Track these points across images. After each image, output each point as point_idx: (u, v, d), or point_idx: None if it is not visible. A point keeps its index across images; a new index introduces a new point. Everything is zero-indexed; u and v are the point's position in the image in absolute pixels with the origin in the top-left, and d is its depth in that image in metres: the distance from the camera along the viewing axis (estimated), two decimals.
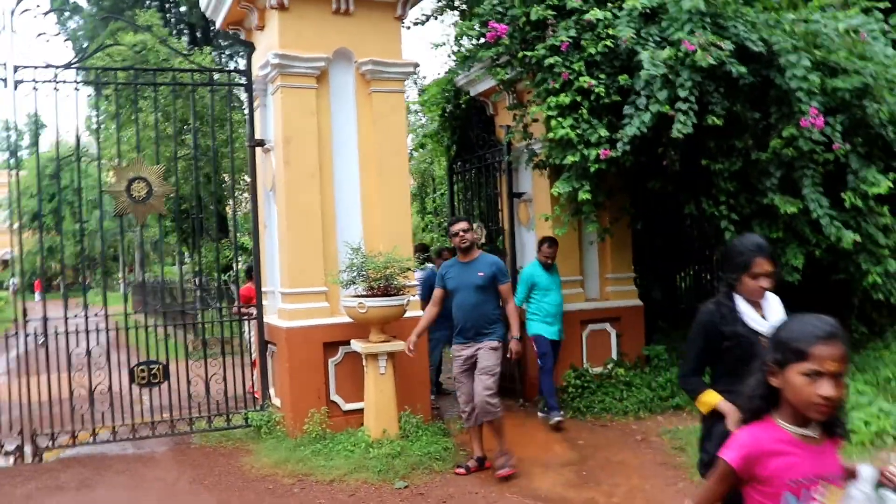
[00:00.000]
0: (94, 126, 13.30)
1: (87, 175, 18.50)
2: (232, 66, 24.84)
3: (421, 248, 9.56)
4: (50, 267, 40.60)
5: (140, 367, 7.50)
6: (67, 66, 7.28)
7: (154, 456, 7.14)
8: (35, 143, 7.35)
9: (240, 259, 13.40)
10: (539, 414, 7.91)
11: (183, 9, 24.21)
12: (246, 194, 16.04)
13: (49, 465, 6.90)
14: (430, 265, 9.58)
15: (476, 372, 6.11)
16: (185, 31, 25.33)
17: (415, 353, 6.42)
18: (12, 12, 6.86)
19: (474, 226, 9.71)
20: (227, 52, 24.34)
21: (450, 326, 7.57)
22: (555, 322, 7.83)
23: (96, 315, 7.23)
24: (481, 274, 6.16)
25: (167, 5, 25.21)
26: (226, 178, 14.20)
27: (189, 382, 7.53)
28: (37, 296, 34.07)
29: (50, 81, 7.06)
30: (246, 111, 8.44)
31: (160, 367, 7.55)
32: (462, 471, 6.19)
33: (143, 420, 7.56)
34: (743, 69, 6.93)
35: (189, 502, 5.82)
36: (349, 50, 7.41)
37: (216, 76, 8.39)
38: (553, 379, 7.73)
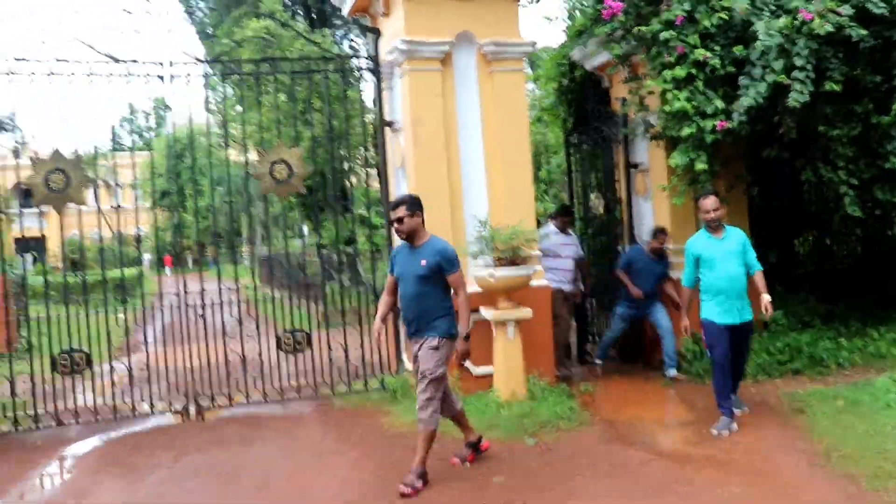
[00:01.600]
0: (228, 112, 14.18)
1: (207, 154, 19.58)
2: (346, 44, 25.66)
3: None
4: (178, 243, 42.92)
5: (286, 335, 8.22)
6: (214, 60, 7.97)
7: (301, 416, 7.82)
8: (188, 127, 8.05)
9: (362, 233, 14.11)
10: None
11: None
12: (367, 170, 16.77)
13: (211, 423, 7.69)
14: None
15: (418, 376, 5.54)
16: (300, 13, 26.23)
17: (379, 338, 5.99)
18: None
19: (592, 196, 10.05)
20: (342, 32, 25.09)
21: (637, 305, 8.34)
22: (726, 301, 6.42)
23: (229, 288, 8.01)
24: (424, 262, 5.44)
25: None
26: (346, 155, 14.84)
27: (330, 349, 8.22)
28: (167, 270, 36.34)
29: (202, 76, 7.78)
30: (364, 91, 8.99)
31: (304, 335, 8.24)
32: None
33: (290, 384, 8.29)
34: (864, 32, 6.95)
35: (337, 456, 6.41)
36: (471, 32, 7.80)
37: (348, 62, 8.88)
38: (726, 375, 6.45)
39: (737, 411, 6.55)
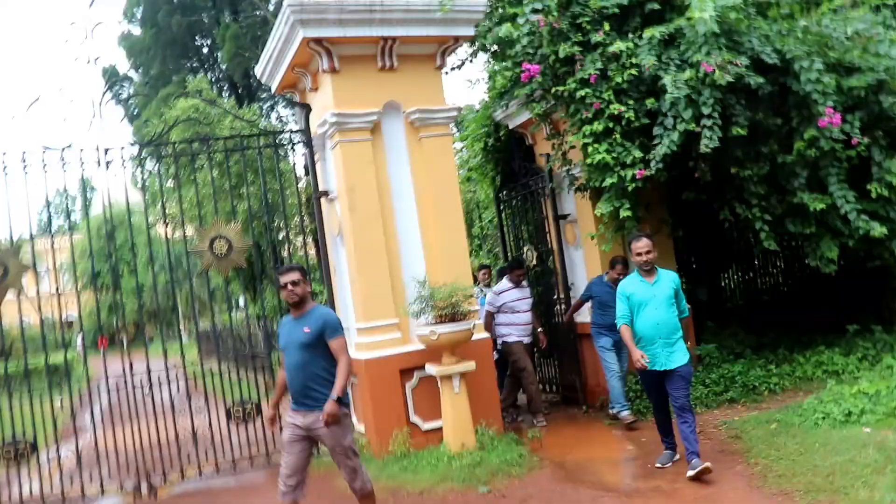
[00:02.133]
0: (160, 190, 14.27)
1: (139, 233, 19.50)
2: (273, 116, 26.00)
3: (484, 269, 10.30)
4: (111, 323, 42.12)
5: (235, 406, 8.28)
6: (149, 143, 8.14)
7: (256, 485, 7.84)
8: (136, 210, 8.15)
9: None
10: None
11: (224, 66, 25.49)
12: (299, 239, 16.93)
13: (164, 500, 7.64)
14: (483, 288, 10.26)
15: (331, 454, 5.46)
16: (226, 88, 26.58)
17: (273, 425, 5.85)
18: (100, 103, 7.75)
19: (524, 249, 10.41)
20: (268, 105, 25.47)
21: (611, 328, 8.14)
22: (650, 347, 6.33)
23: (174, 365, 8.08)
24: (307, 329, 5.32)
25: (207, 65, 26.52)
26: (281, 226, 15.01)
27: (280, 416, 8.27)
28: (101, 352, 35.52)
29: (134, 158, 7.93)
30: (295, 163, 9.22)
31: (254, 404, 8.32)
32: None
33: (242, 454, 8.31)
34: (761, 80, 7.52)
35: None
36: (397, 101, 8.15)
37: (278, 138, 9.15)
38: (663, 413, 6.67)
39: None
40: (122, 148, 7.90)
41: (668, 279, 6.44)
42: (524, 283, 9.21)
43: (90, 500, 7.72)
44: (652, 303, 6.34)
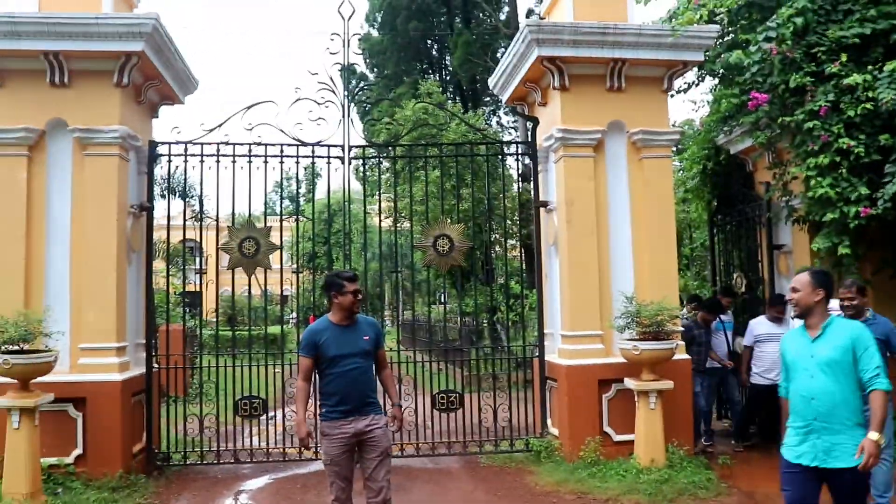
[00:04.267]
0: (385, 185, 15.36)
1: (357, 220, 20.82)
2: (494, 121, 26.85)
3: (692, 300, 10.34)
4: (322, 304, 44.71)
5: (440, 395, 8.91)
6: (388, 144, 8.94)
7: (451, 470, 8.43)
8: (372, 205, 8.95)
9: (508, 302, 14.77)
10: None
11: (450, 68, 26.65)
12: (509, 242, 17.50)
13: None
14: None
15: (379, 458, 5.33)
16: (452, 91, 27.72)
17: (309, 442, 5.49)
18: (347, 106, 8.64)
19: (734, 275, 10.33)
20: (490, 109, 26.34)
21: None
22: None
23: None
24: (367, 338, 5.35)
25: (436, 68, 27.83)
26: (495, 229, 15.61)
27: (480, 410, 8.86)
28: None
29: (374, 157, 8.74)
30: (512, 170, 9.70)
31: (457, 395, 8.92)
32: None
33: (441, 440, 8.93)
34: None
35: None
36: (622, 121, 8.45)
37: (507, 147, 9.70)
38: None
39: None
40: (363, 147, 8.76)
41: (842, 332, 4.39)
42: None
43: (306, 461, 8.61)
44: (808, 366, 4.43)
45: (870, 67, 7.82)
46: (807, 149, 7.93)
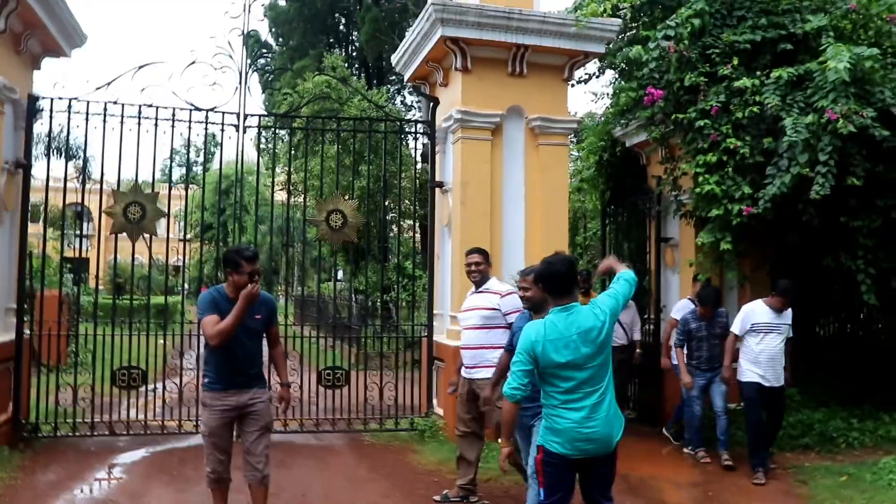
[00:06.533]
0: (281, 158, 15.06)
1: (253, 193, 20.47)
2: (398, 101, 26.71)
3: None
4: (215, 277, 43.69)
5: (326, 371, 8.82)
6: (285, 115, 8.75)
7: (334, 447, 8.37)
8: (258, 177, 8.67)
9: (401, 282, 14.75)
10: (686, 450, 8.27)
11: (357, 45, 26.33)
12: (406, 222, 17.46)
13: None
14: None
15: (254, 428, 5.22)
16: (357, 67, 27.39)
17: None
18: (246, 73, 8.39)
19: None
20: (395, 88, 26.19)
21: None
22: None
23: None
24: (258, 317, 5.20)
25: (343, 43, 27.46)
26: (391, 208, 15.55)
27: (366, 388, 8.82)
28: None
29: (269, 127, 8.53)
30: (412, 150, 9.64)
31: (344, 372, 8.84)
32: None
33: (326, 417, 8.84)
34: (886, 132, 7.44)
35: (370, 484, 6.95)
36: (521, 107, 8.52)
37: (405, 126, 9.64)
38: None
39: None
40: (263, 116, 8.54)
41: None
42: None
43: (185, 434, 8.38)
44: None
45: (758, 73, 8.14)
46: (696, 146, 8.19)
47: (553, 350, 4.05)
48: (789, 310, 7.47)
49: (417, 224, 15.53)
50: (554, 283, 4.23)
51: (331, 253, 18.13)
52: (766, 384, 7.33)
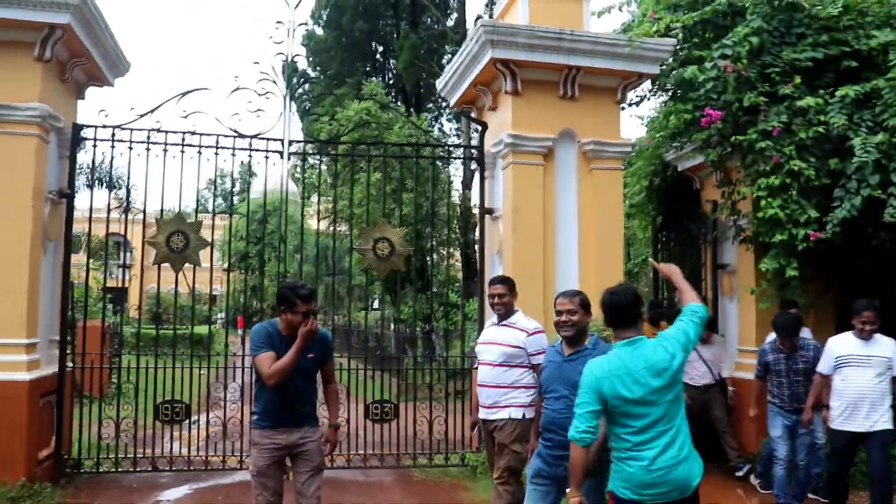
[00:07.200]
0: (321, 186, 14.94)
1: (292, 221, 20.34)
2: (436, 127, 26.61)
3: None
4: (251, 305, 43.79)
5: (374, 405, 8.54)
6: (330, 141, 8.56)
7: (383, 483, 8.08)
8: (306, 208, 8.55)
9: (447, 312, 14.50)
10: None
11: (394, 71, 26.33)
12: (444, 250, 17.21)
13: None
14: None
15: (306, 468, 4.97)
16: (393, 94, 27.37)
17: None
18: (291, 99, 8.24)
19: (676, 293, 10.20)
20: (432, 115, 26.11)
21: None
22: None
23: None
24: (311, 356, 4.94)
25: (380, 71, 27.50)
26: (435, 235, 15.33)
27: (415, 422, 8.52)
28: (239, 331, 37.23)
29: (314, 154, 8.35)
30: (455, 176, 9.41)
31: (392, 405, 8.56)
32: None
33: (374, 452, 8.56)
34: None
35: None
36: (573, 130, 8.25)
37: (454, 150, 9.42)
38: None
39: None
40: (307, 143, 8.36)
41: None
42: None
43: (229, 471, 8.14)
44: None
45: (821, 91, 7.82)
46: (758, 168, 7.84)
47: (622, 386, 3.79)
48: (889, 341, 6.40)
49: (460, 252, 15.29)
50: (618, 314, 4.00)
51: (371, 282, 17.98)
52: (857, 429, 6.27)
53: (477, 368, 5.87)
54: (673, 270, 4.34)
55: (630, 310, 3.98)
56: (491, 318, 5.96)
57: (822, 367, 6.60)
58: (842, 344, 6.49)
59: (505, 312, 5.80)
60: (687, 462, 3.82)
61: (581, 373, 3.99)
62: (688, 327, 3.95)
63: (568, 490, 4.09)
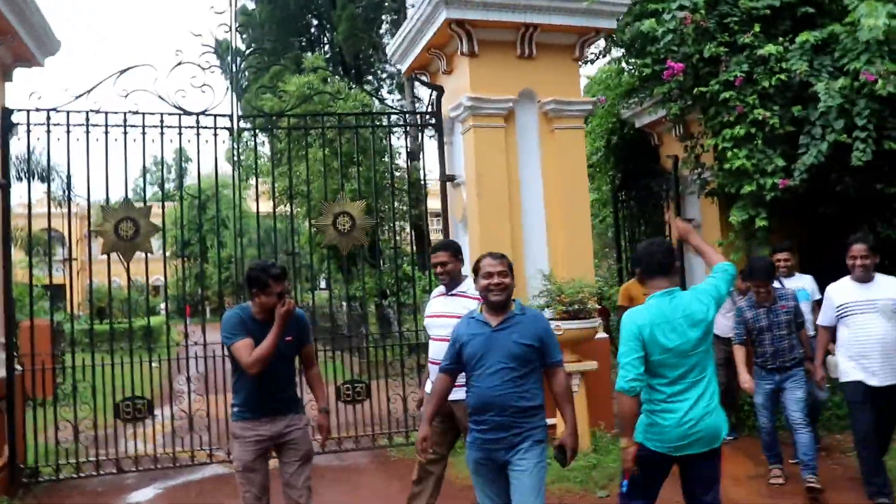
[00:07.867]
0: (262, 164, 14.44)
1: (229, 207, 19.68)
2: (375, 99, 26.13)
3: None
4: (197, 293, 42.83)
5: (346, 385, 8.26)
6: (282, 114, 8.18)
7: (360, 467, 7.82)
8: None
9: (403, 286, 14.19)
10: None
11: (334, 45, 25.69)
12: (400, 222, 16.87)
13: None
14: None
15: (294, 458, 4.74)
16: (331, 66, 26.75)
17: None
18: (237, 72, 7.82)
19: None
20: (375, 88, 25.64)
21: None
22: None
23: None
24: (289, 339, 4.67)
25: (318, 45, 26.85)
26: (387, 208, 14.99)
27: (389, 400, 8.26)
28: (188, 320, 36.40)
29: (266, 128, 7.97)
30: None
31: (364, 385, 8.29)
32: None
33: (347, 434, 8.29)
34: None
35: None
36: (533, 90, 8.02)
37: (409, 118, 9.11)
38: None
39: None
40: (253, 118, 7.98)
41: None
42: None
43: (199, 465, 7.79)
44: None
45: (780, 39, 7.73)
46: (721, 119, 7.77)
47: (661, 334, 3.90)
48: (889, 280, 5.72)
49: (410, 224, 14.97)
50: (654, 264, 4.11)
51: (320, 261, 17.54)
52: (873, 383, 5.55)
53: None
54: (689, 231, 4.42)
55: (665, 260, 4.12)
56: (438, 287, 5.36)
57: (823, 318, 6.00)
58: (840, 291, 5.80)
59: (450, 281, 5.15)
60: (715, 413, 3.93)
61: (517, 342, 3.92)
62: (719, 283, 4.08)
63: (623, 441, 4.03)
